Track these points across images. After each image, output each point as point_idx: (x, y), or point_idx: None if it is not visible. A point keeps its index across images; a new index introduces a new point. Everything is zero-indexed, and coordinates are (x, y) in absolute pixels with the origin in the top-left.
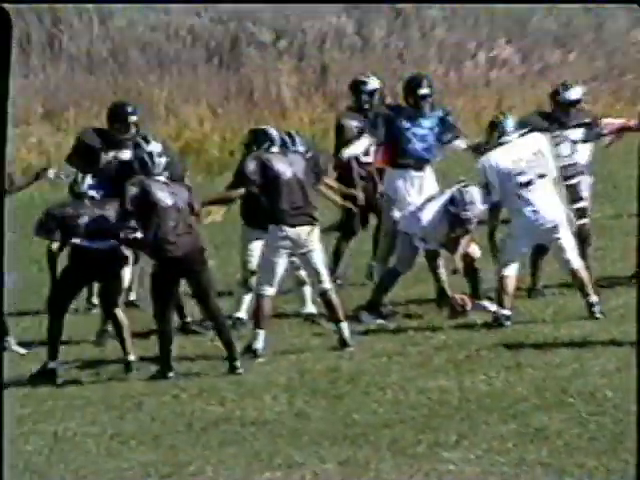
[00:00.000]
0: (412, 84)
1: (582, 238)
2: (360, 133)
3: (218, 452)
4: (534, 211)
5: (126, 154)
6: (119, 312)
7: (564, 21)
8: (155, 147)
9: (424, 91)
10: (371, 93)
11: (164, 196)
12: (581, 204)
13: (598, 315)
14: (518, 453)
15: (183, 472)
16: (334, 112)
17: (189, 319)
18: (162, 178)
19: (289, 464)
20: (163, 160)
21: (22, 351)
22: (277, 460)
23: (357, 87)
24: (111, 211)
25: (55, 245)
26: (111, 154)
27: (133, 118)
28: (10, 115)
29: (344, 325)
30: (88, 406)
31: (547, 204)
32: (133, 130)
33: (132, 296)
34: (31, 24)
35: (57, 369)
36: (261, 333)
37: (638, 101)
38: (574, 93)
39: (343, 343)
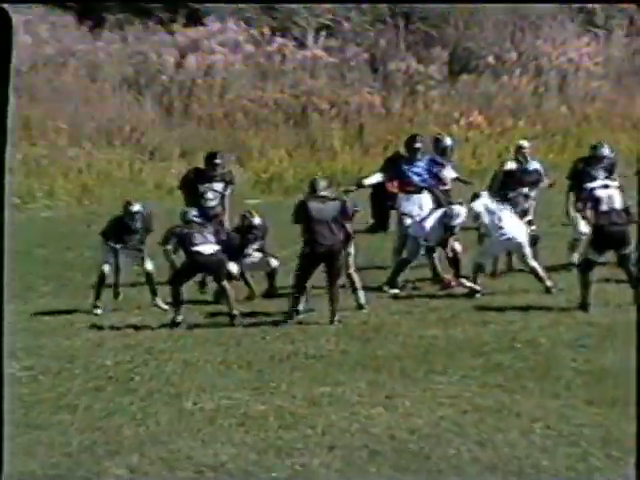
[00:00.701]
0: (410, 141)
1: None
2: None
3: (290, 375)
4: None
5: (216, 186)
6: (226, 285)
7: (516, 99)
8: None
9: (417, 145)
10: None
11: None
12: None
13: (554, 292)
14: (483, 379)
15: (267, 387)
16: (367, 157)
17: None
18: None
19: (336, 383)
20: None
21: (164, 306)
22: (328, 380)
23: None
24: (210, 229)
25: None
26: (206, 185)
27: (217, 161)
28: (10, 117)
29: (361, 293)
30: (206, 343)
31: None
32: (219, 170)
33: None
34: (173, 95)
35: (180, 320)
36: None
37: (565, 152)
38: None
39: (360, 306)
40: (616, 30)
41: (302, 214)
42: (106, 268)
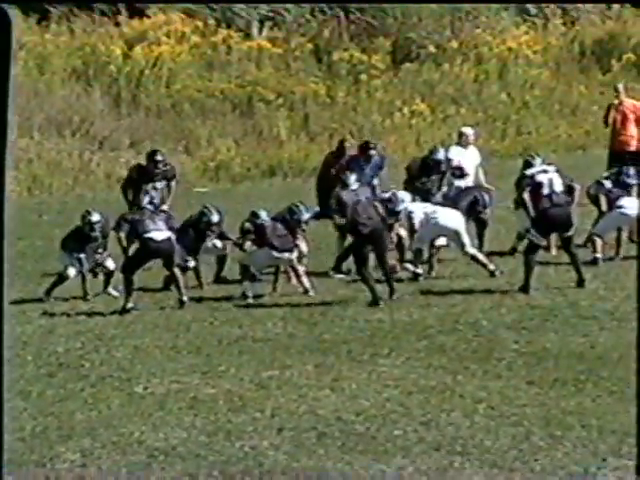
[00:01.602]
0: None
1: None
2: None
3: (238, 358)
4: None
5: (158, 184)
6: (177, 271)
7: (458, 86)
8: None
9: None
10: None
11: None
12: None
13: (498, 274)
14: (427, 361)
15: (216, 370)
16: (313, 145)
17: None
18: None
19: (283, 366)
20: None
21: (115, 293)
22: (276, 363)
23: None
24: (162, 216)
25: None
26: (149, 185)
27: (159, 159)
28: (10, 117)
29: (305, 279)
30: (156, 328)
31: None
32: (161, 167)
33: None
34: (121, 86)
35: (131, 307)
36: None
37: (506, 139)
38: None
39: (306, 291)
40: (552, 19)
41: (339, 205)
42: (72, 272)
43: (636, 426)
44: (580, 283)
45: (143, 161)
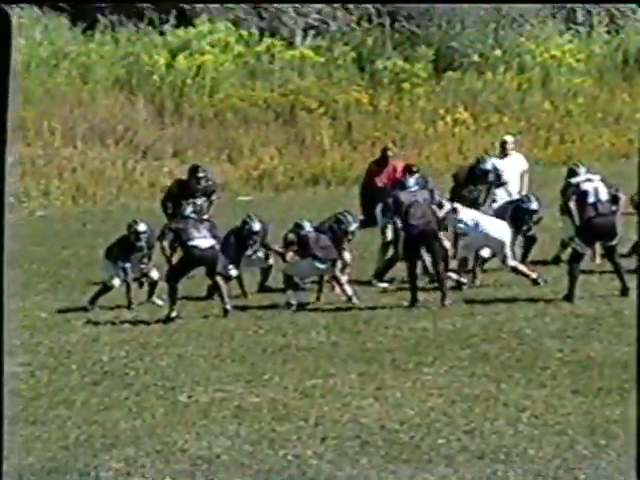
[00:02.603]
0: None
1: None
2: None
3: (282, 367)
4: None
5: (198, 201)
6: (220, 280)
7: (501, 95)
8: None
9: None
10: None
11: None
12: None
13: (542, 283)
14: (471, 369)
15: (260, 379)
16: (356, 153)
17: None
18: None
19: (327, 375)
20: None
21: (160, 302)
22: (319, 372)
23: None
24: (206, 225)
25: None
26: (189, 200)
27: (200, 175)
28: (10, 118)
29: (348, 287)
30: (199, 337)
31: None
32: (203, 183)
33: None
34: (164, 95)
35: (175, 316)
36: None
37: (549, 147)
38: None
39: (349, 299)
40: (597, 27)
41: (395, 205)
42: (116, 282)
43: (636, 431)
44: (624, 292)
45: (186, 172)
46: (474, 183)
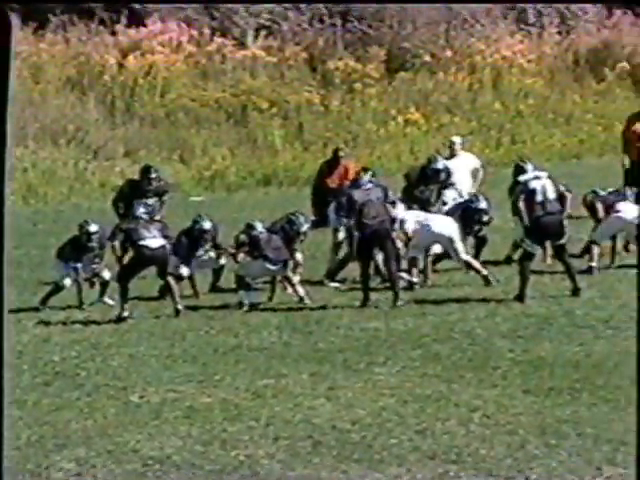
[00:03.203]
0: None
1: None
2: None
3: (234, 367)
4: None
5: (149, 201)
6: (171, 280)
7: (452, 95)
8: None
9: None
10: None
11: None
12: None
13: (493, 283)
14: (422, 369)
15: (211, 379)
16: (308, 153)
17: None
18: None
19: (278, 375)
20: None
21: (111, 302)
22: (271, 372)
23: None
24: (156, 225)
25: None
26: (141, 200)
27: (152, 176)
28: (10, 117)
29: (299, 288)
30: (151, 337)
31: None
32: (154, 183)
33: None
34: (115, 95)
35: (127, 316)
36: None
37: (500, 148)
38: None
39: (301, 299)
40: (548, 28)
41: (348, 204)
42: (67, 282)
43: (636, 433)
44: (575, 292)
45: (137, 172)
46: (425, 183)
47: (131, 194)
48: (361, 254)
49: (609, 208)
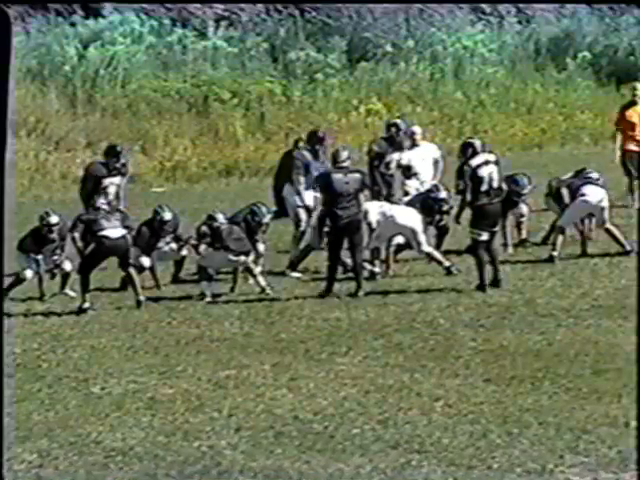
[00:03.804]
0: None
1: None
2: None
3: (195, 358)
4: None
5: (116, 180)
6: (132, 271)
7: (414, 85)
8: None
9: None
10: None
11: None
12: None
13: (455, 273)
14: (384, 359)
15: (173, 370)
16: (270, 144)
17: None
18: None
19: (240, 365)
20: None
21: (72, 294)
22: (233, 363)
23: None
24: (117, 215)
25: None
26: (108, 180)
27: (120, 152)
28: (11, 115)
29: (261, 278)
30: (113, 328)
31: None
32: (121, 161)
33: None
34: (76, 86)
35: (88, 307)
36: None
37: (461, 138)
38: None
39: (262, 290)
40: (507, 17)
41: (325, 185)
42: (28, 274)
43: (637, 426)
44: (495, 282)
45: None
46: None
47: (99, 175)
48: (332, 244)
49: (574, 193)
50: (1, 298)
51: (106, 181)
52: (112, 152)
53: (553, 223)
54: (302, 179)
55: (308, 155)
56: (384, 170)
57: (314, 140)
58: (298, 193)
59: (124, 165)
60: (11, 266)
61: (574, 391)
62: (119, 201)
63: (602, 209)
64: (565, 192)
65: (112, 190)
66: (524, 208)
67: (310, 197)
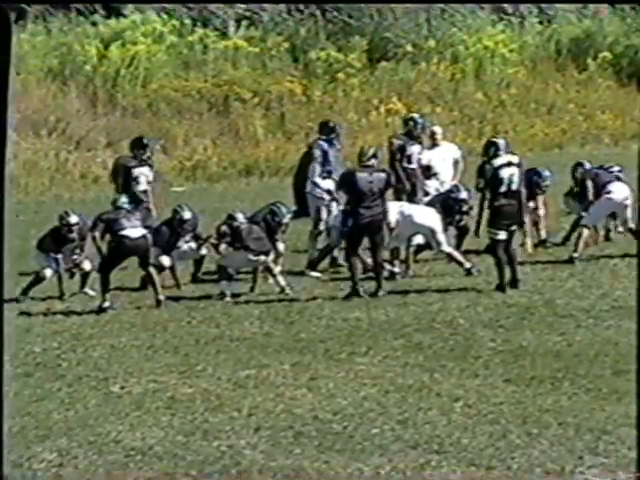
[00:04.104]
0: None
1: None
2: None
3: (215, 358)
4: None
5: (145, 170)
6: (152, 270)
7: (434, 85)
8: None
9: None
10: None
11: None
12: None
13: (475, 273)
14: (404, 359)
15: (193, 370)
16: (290, 144)
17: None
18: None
19: (260, 365)
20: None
21: (92, 293)
22: (253, 363)
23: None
24: (137, 215)
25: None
26: (138, 170)
27: (147, 144)
28: (11, 115)
29: (280, 278)
30: (132, 328)
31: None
32: (148, 153)
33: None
34: (97, 86)
35: (108, 306)
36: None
37: (482, 138)
38: None
39: (282, 289)
40: (528, 17)
41: (349, 184)
42: (48, 272)
43: (637, 424)
44: (514, 283)
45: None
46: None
47: (129, 166)
48: (351, 243)
49: (600, 189)
50: (1, 298)
51: (136, 171)
52: (139, 144)
53: (574, 223)
54: (318, 169)
55: (325, 145)
56: (406, 164)
57: (327, 130)
58: (314, 184)
59: (150, 157)
60: (11, 266)
61: (594, 392)
62: (148, 196)
63: (626, 207)
64: (590, 185)
65: (143, 180)
66: (542, 209)
67: (329, 184)
